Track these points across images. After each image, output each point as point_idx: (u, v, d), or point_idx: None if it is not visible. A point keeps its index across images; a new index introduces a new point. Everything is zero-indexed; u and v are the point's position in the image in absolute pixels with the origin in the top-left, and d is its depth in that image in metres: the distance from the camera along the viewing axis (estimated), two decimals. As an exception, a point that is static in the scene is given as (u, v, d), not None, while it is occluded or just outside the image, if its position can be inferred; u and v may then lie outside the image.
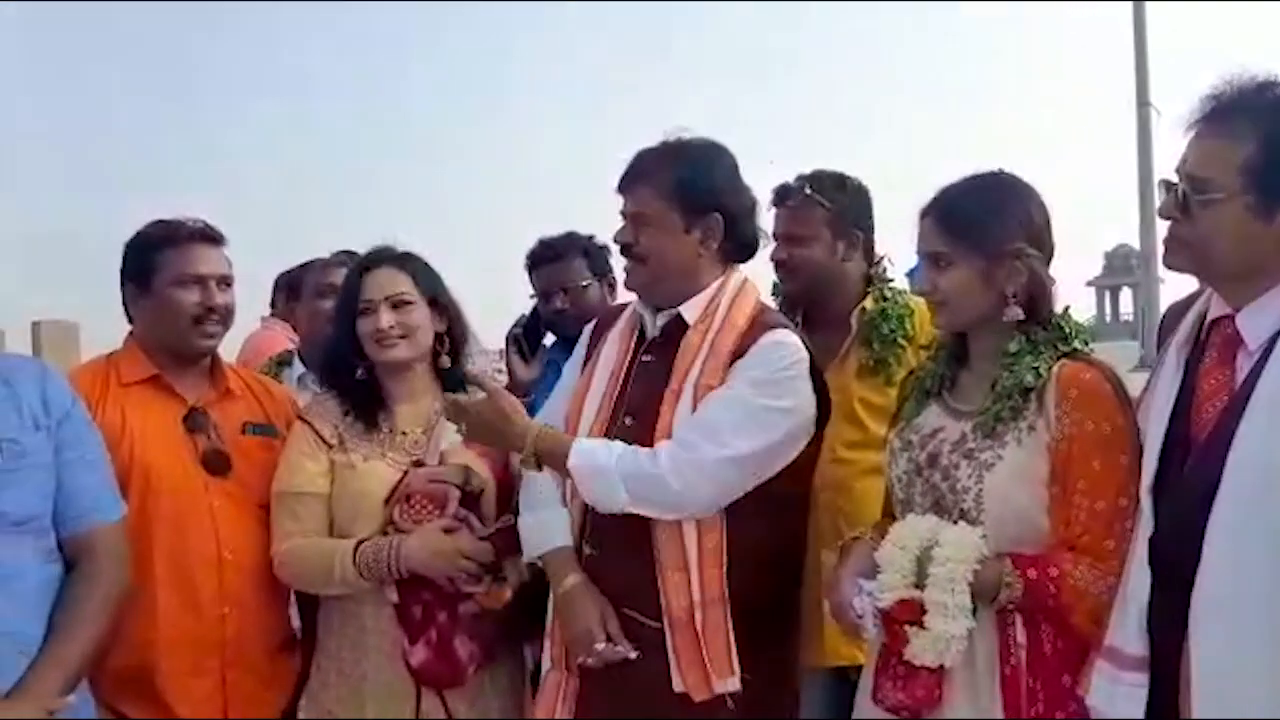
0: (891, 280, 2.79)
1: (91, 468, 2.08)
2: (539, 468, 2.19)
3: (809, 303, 2.72)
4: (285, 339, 4.61)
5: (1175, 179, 1.75)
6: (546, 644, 2.26)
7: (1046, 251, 2.01)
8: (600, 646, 2.11)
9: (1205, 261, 1.76)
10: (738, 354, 2.17)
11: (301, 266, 3.59)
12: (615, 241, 2.30)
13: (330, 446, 2.40)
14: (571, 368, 2.42)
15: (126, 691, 2.27)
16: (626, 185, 2.26)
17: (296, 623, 2.57)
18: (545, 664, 2.26)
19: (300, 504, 2.37)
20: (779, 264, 2.72)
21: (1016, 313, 1.96)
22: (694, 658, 2.10)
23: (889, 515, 2.17)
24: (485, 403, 2.23)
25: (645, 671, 2.12)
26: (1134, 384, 1.99)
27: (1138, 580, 1.74)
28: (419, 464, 2.38)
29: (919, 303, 2.66)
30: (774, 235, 2.66)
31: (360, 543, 2.28)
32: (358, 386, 2.44)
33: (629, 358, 2.29)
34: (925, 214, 2.04)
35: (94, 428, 2.14)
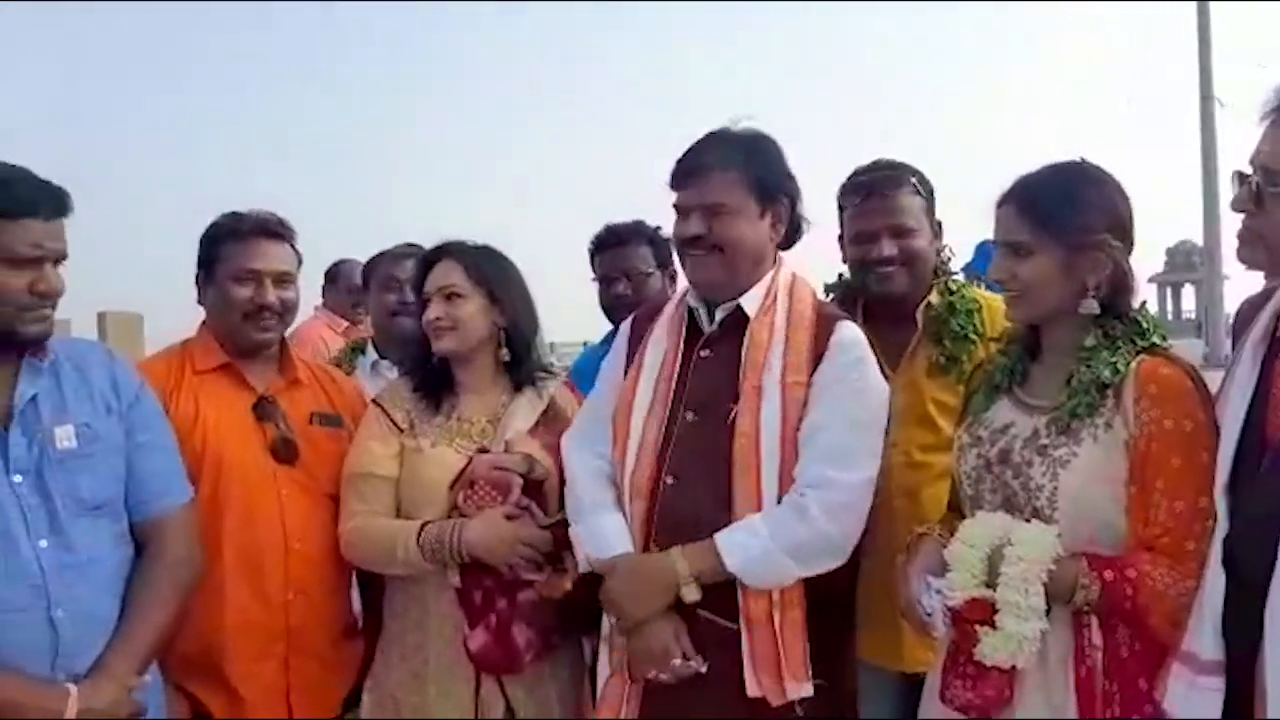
0: (956, 273, 2.68)
1: (161, 451, 2.12)
2: (701, 592, 2.08)
3: (881, 299, 2.57)
4: (325, 328, 4.70)
5: (1249, 171, 1.70)
6: (604, 649, 2.22)
7: (1128, 244, 1.95)
8: (677, 663, 2.08)
9: (1278, 255, 1.69)
10: (816, 350, 2.16)
11: (373, 258, 3.63)
12: (680, 236, 2.25)
13: (401, 431, 2.44)
14: (612, 365, 2.38)
15: (194, 673, 2.31)
16: (692, 177, 2.21)
17: (357, 608, 2.60)
18: (603, 669, 2.22)
19: (369, 485, 2.41)
20: (881, 261, 2.51)
21: (1093, 305, 1.92)
22: (770, 661, 2.07)
23: (955, 511, 2.13)
24: (617, 575, 2.12)
25: (714, 676, 2.09)
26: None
27: (1213, 584, 1.70)
28: (484, 451, 2.40)
29: (986, 296, 2.60)
30: (866, 232, 2.53)
31: (425, 524, 2.31)
32: (430, 374, 2.49)
33: (681, 353, 2.26)
34: (1004, 202, 1.99)
35: (161, 411, 2.19)
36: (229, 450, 2.36)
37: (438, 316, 2.42)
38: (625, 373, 2.31)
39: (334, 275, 4.95)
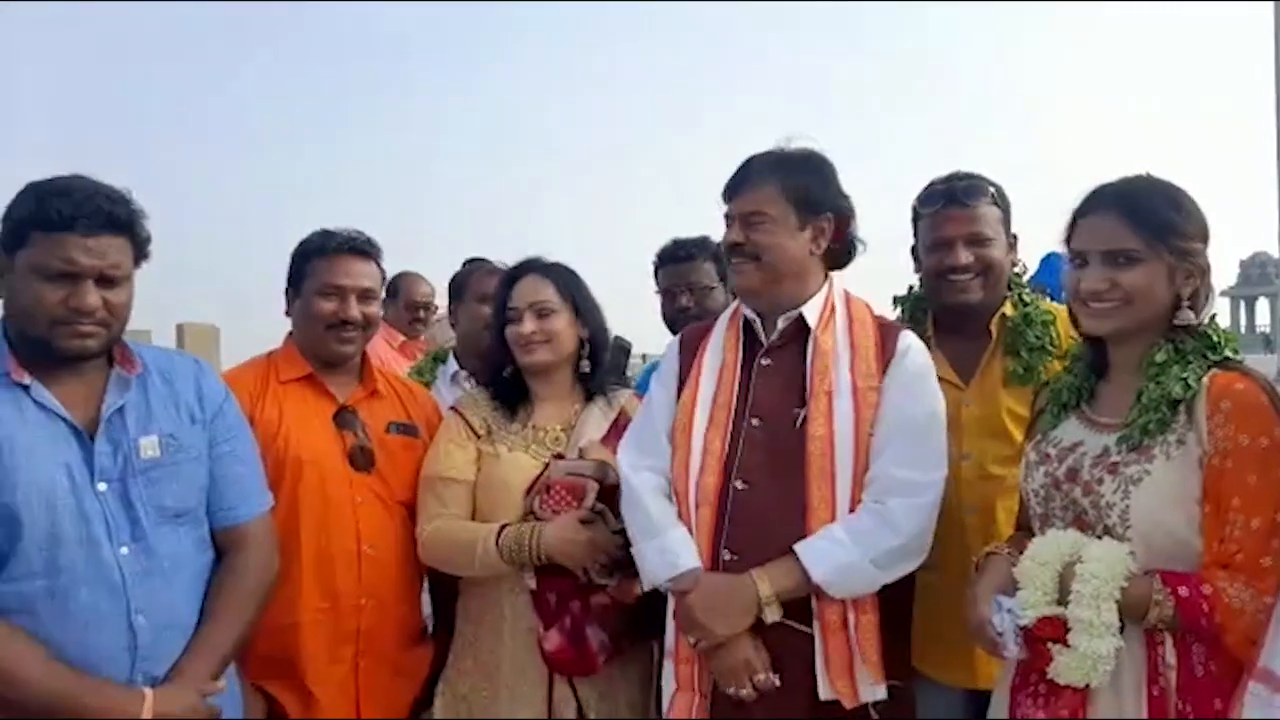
0: (1027, 286, 2.65)
1: (242, 460, 2.18)
2: (783, 610, 2.10)
3: (962, 312, 2.56)
4: (382, 342, 4.75)
5: None
6: (668, 664, 2.23)
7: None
8: (761, 677, 2.09)
9: None
10: (884, 355, 2.20)
11: (463, 273, 3.69)
12: (724, 245, 2.31)
13: (479, 437, 2.52)
14: (662, 381, 2.40)
15: (271, 672, 2.38)
16: (739, 187, 2.28)
17: (427, 612, 2.66)
18: (668, 684, 2.22)
19: (447, 489, 2.48)
20: (955, 270, 2.51)
21: (1190, 315, 1.89)
22: (844, 664, 2.08)
23: (1023, 530, 2.11)
24: (698, 595, 2.13)
25: (786, 682, 2.10)
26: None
27: None
28: (559, 457, 2.47)
29: (1059, 309, 2.56)
30: (944, 240, 2.53)
31: (503, 527, 2.37)
32: (505, 384, 2.57)
33: (741, 363, 2.29)
34: (1098, 209, 1.94)
35: (244, 420, 2.25)
36: (309, 457, 2.44)
37: (533, 331, 2.50)
38: (680, 387, 2.33)
39: (393, 289, 4.94)
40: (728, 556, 2.15)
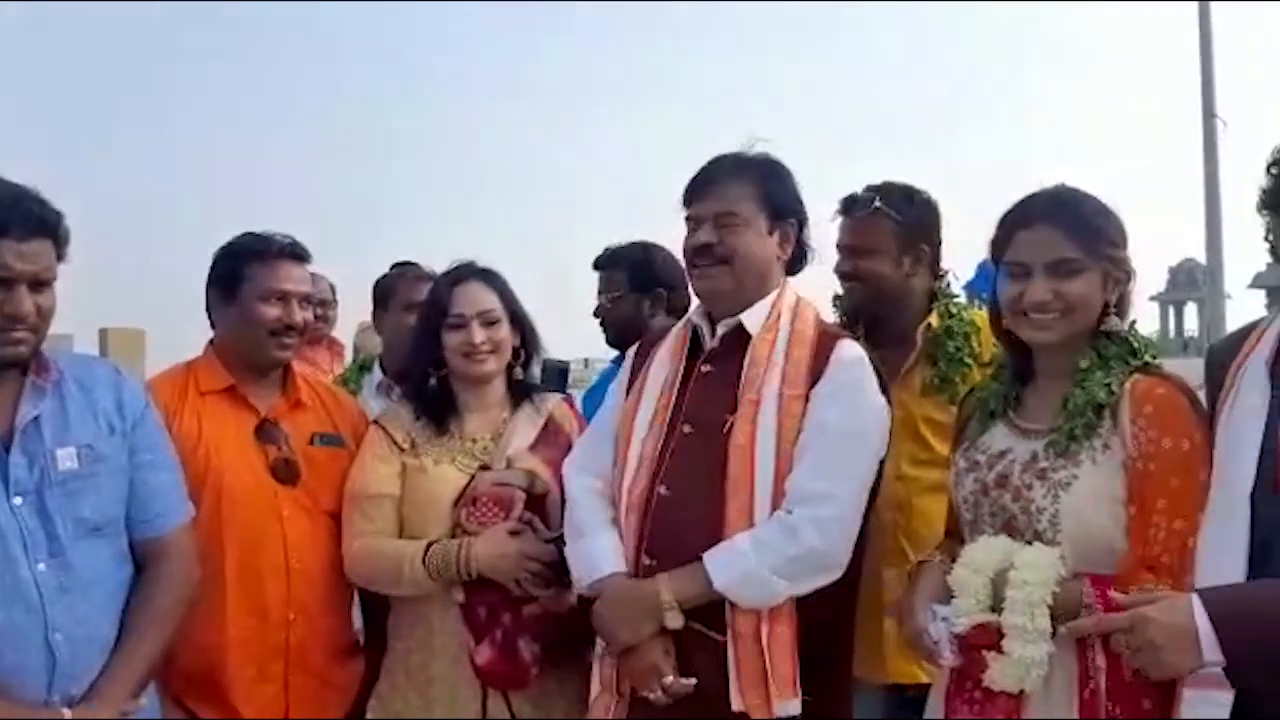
0: (956, 296, 2.73)
1: (162, 470, 2.12)
2: (685, 616, 2.09)
3: (871, 317, 2.66)
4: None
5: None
6: (596, 666, 2.23)
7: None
8: (669, 680, 2.08)
9: None
10: (816, 366, 2.18)
11: (389, 278, 3.59)
12: (690, 247, 2.27)
13: (403, 450, 2.46)
14: (618, 390, 2.41)
15: (195, 691, 2.32)
16: (708, 188, 2.26)
17: (358, 625, 2.61)
18: (594, 687, 2.23)
19: (373, 505, 2.42)
20: (843, 276, 2.67)
21: (1117, 322, 1.94)
22: (757, 675, 2.05)
23: (952, 536, 2.14)
24: (604, 600, 2.14)
25: (700, 688, 2.09)
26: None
27: None
28: (485, 468, 2.43)
29: (984, 319, 2.61)
30: (839, 246, 2.65)
31: (430, 544, 2.33)
32: (431, 393, 2.51)
33: (683, 369, 2.29)
34: (1036, 222, 1.95)
35: (164, 429, 2.19)
36: (230, 471, 2.38)
37: (482, 341, 2.44)
38: (628, 394, 2.34)
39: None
40: (647, 561, 2.16)
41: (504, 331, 2.50)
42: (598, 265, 3.28)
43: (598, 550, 2.18)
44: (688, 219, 2.29)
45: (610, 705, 2.18)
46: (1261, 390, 1.75)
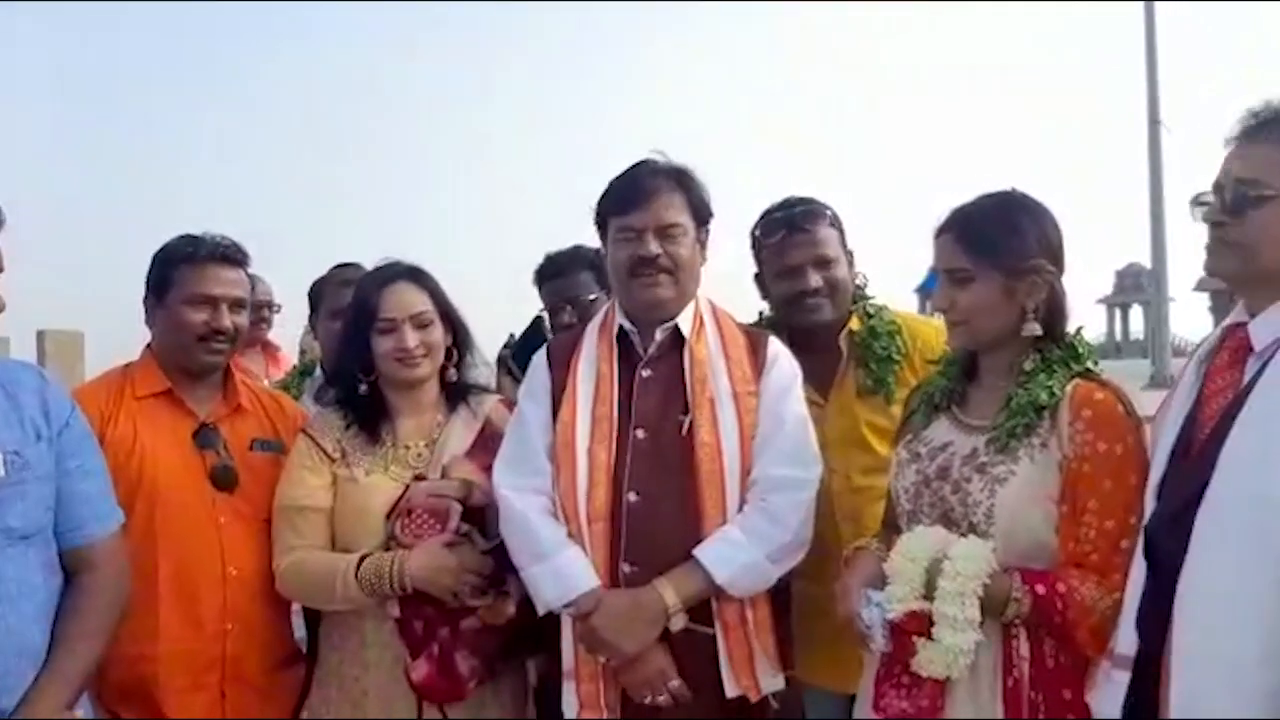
0: (872, 298, 2.75)
1: (90, 476, 2.07)
2: (690, 617, 2.13)
3: (813, 326, 2.62)
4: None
5: (1212, 191, 1.78)
6: (568, 685, 2.20)
7: (1060, 269, 2.03)
8: (676, 684, 2.11)
9: (1253, 260, 1.75)
10: (756, 363, 2.28)
11: (318, 282, 3.46)
12: (634, 256, 2.26)
13: (333, 460, 2.40)
14: (533, 400, 2.34)
15: (128, 702, 2.28)
16: (648, 199, 2.26)
17: (301, 634, 2.56)
18: (570, 707, 2.20)
19: (302, 518, 2.35)
20: (808, 293, 2.58)
21: (1035, 328, 1.99)
22: (745, 660, 2.14)
23: (887, 526, 2.19)
24: (602, 614, 2.12)
25: (692, 685, 2.13)
26: (1144, 402, 2.00)
27: (1133, 579, 1.77)
28: (420, 478, 2.36)
29: (907, 317, 2.70)
30: (788, 267, 2.59)
31: (363, 558, 2.26)
32: (361, 400, 2.43)
33: (619, 374, 2.28)
34: (943, 231, 2.06)
35: (91, 435, 2.14)
36: (167, 476, 2.33)
37: (415, 345, 2.37)
38: (554, 403, 2.29)
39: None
40: (628, 569, 2.15)
41: (437, 333, 2.42)
42: (558, 272, 3.18)
43: (568, 568, 2.15)
44: (622, 228, 2.28)
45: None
46: (1191, 385, 1.82)
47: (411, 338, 2.37)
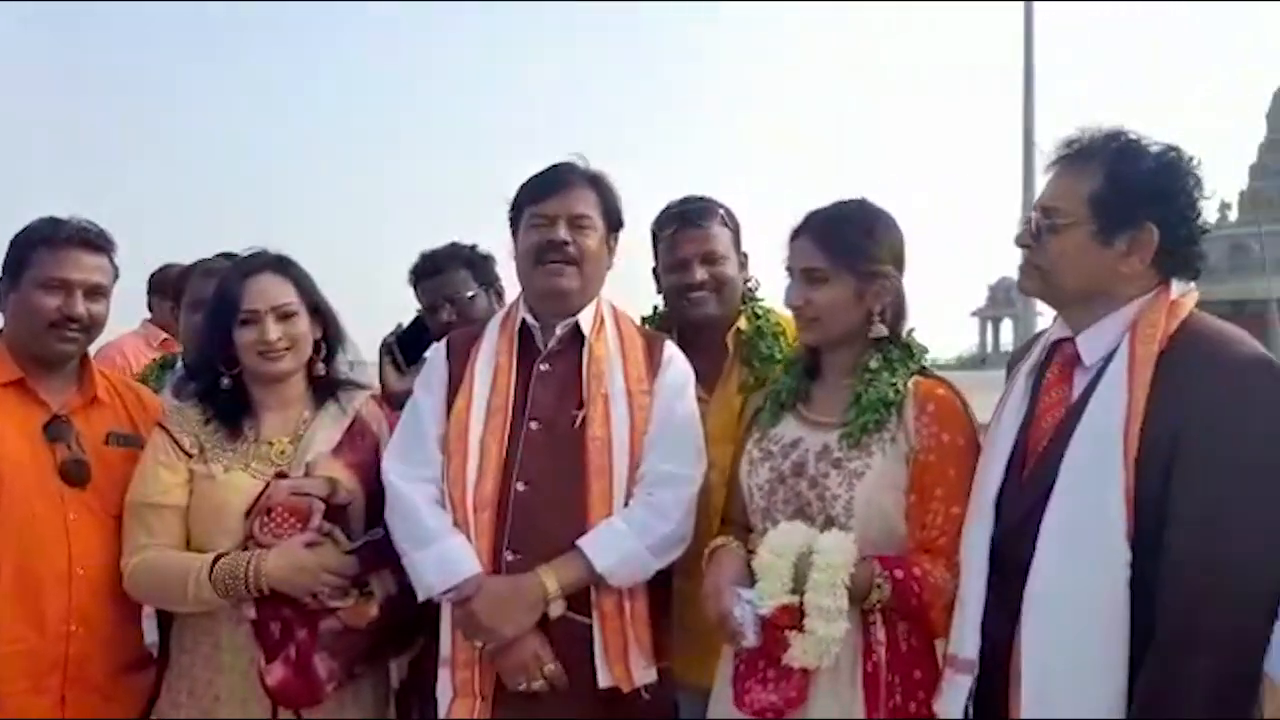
0: (761, 300, 2.82)
1: None
2: (568, 604, 2.14)
3: (701, 322, 2.68)
4: (143, 342, 4.37)
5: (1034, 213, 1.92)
6: (444, 672, 2.20)
7: (902, 274, 2.17)
8: (552, 667, 2.12)
9: (1053, 284, 1.90)
10: (653, 363, 2.34)
11: (182, 271, 3.32)
12: (543, 241, 2.29)
13: (189, 456, 2.31)
14: (428, 391, 2.35)
15: (-38, 705, 2.14)
16: (563, 189, 2.32)
17: (153, 638, 2.45)
18: (444, 693, 2.19)
19: (155, 515, 2.26)
20: (695, 286, 2.64)
21: (882, 329, 2.12)
22: (620, 651, 2.16)
23: (729, 523, 2.28)
24: (481, 598, 2.13)
25: (568, 673, 2.15)
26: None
27: (971, 586, 1.88)
28: (282, 475, 2.28)
29: (789, 319, 2.73)
30: (674, 261, 2.66)
31: (218, 558, 2.18)
32: (222, 395, 2.35)
33: (517, 368, 2.31)
34: (800, 234, 2.16)
35: None
36: (12, 471, 2.22)
37: (278, 338, 2.29)
38: (450, 394, 2.31)
39: (160, 284, 4.39)
40: (510, 557, 2.17)
41: (302, 326, 2.34)
42: (435, 269, 3.12)
43: (452, 554, 2.16)
44: (535, 215, 2.32)
45: (474, 707, 2.17)
46: (1022, 398, 1.95)
47: (274, 330, 2.29)
